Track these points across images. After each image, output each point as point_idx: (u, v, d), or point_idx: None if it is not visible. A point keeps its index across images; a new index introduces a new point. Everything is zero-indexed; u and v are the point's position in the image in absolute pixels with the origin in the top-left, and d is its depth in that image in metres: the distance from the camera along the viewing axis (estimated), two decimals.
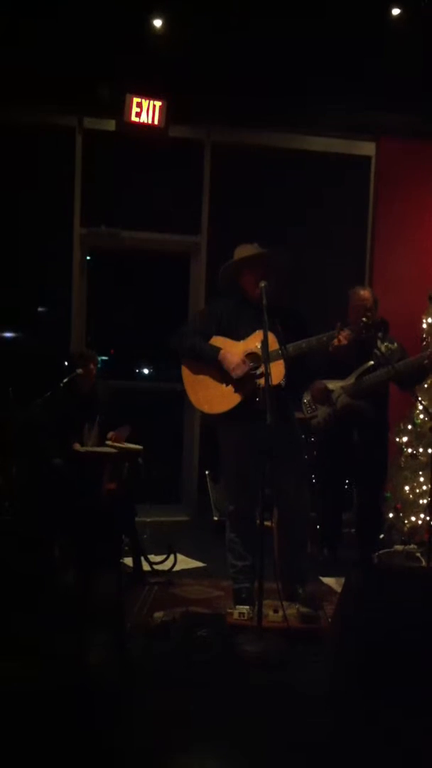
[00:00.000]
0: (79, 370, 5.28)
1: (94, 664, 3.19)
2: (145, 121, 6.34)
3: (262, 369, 3.95)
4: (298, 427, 4.46)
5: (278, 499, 4.29)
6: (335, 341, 4.12)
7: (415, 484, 6.00)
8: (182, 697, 3.25)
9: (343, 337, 4.12)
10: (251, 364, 4.12)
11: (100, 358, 6.37)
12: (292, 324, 4.20)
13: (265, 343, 3.90)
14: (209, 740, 2.95)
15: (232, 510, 4.40)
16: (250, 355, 4.17)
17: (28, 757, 2.62)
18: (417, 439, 6.04)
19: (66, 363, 5.76)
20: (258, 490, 3.96)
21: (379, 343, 4.89)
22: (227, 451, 4.36)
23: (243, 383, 4.15)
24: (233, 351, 4.19)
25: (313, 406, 5.29)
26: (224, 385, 4.21)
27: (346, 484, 5.66)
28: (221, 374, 4.20)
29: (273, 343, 4.02)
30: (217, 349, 4.20)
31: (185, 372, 4.33)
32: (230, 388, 4.20)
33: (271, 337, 3.98)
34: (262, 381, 3.89)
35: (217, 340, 4.25)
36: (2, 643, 3.45)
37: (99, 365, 5.68)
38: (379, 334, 4.44)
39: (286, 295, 4.29)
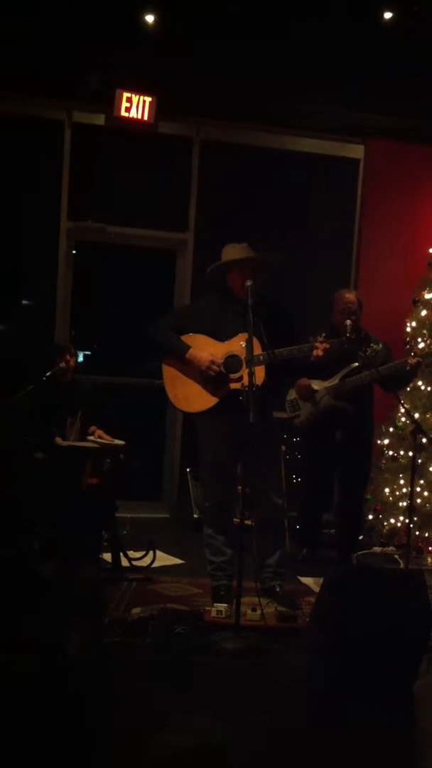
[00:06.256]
0: (63, 365, 5.27)
1: (72, 653, 3.19)
2: (135, 116, 6.34)
3: (238, 375, 4.04)
4: (275, 424, 4.48)
5: (255, 496, 4.30)
6: (314, 353, 4.12)
7: (395, 487, 6.03)
8: (160, 684, 3.28)
9: (321, 350, 4.12)
10: (222, 369, 4.13)
11: (83, 353, 6.32)
12: (278, 321, 4.20)
13: (249, 343, 3.90)
14: (188, 722, 2.98)
15: (208, 504, 4.40)
16: (232, 357, 4.17)
17: (8, 743, 2.64)
18: (398, 441, 6.08)
19: (47, 356, 5.71)
20: (234, 485, 3.95)
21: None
22: (205, 444, 4.35)
23: (216, 385, 4.16)
24: (210, 351, 4.18)
25: (297, 405, 5.29)
26: (202, 384, 4.21)
27: (328, 484, 5.67)
28: (200, 373, 4.20)
29: (256, 347, 4.01)
30: (187, 347, 4.19)
31: (165, 368, 4.32)
32: (208, 388, 4.21)
33: (255, 342, 3.98)
34: (245, 381, 3.90)
35: (199, 339, 4.23)
36: None
37: (80, 359, 5.64)
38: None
39: (270, 290, 4.30)
